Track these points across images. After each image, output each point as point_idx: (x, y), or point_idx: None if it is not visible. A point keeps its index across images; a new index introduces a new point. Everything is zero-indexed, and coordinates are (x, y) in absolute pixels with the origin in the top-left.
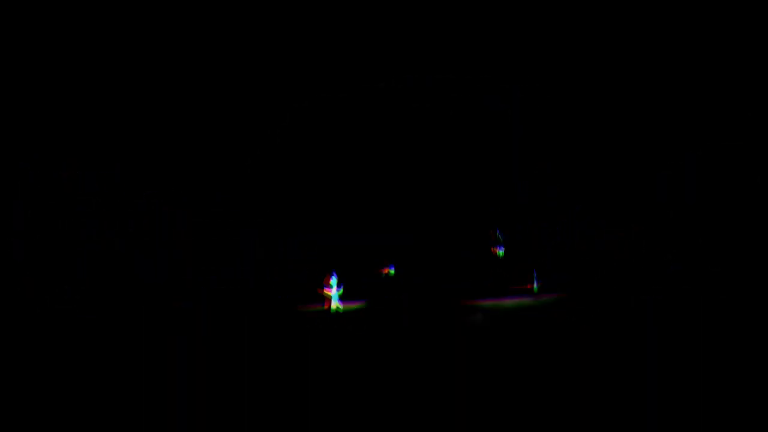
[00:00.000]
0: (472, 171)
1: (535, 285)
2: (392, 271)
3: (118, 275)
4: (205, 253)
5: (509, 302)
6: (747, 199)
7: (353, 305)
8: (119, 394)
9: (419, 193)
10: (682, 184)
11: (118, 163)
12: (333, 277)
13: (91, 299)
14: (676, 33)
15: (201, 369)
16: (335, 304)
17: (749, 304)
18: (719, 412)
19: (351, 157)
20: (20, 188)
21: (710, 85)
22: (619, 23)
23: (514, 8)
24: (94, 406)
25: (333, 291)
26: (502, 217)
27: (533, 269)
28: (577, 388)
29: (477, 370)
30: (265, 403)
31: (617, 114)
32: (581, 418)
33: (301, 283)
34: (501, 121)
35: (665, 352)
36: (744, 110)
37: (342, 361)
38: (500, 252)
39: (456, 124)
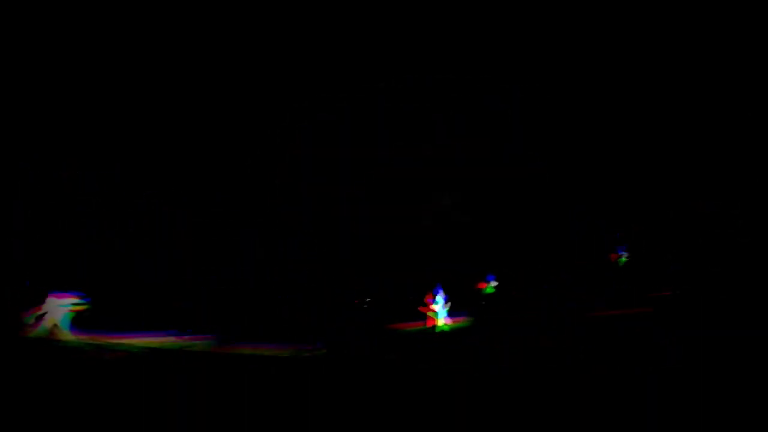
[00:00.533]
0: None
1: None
2: (492, 286)
3: (118, 275)
4: (205, 253)
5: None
6: (747, 198)
7: (457, 322)
8: (118, 398)
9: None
10: (682, 184)
11: (118, 163)
12: (438, 292)
13: (91, 299)
14: (675, 33)
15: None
16: (441, 321)
17: (749, 304)
18: (719, 412)
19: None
20: (20, 188)
21: (711, 84)
22: (618, 23)
23: (513, 8)
24: (93, 407)
25: (438, 308)
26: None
27: (668, 272)
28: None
29: None
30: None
31: (617, 114)
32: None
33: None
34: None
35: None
36: (744, 110)
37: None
38: (623, 257)
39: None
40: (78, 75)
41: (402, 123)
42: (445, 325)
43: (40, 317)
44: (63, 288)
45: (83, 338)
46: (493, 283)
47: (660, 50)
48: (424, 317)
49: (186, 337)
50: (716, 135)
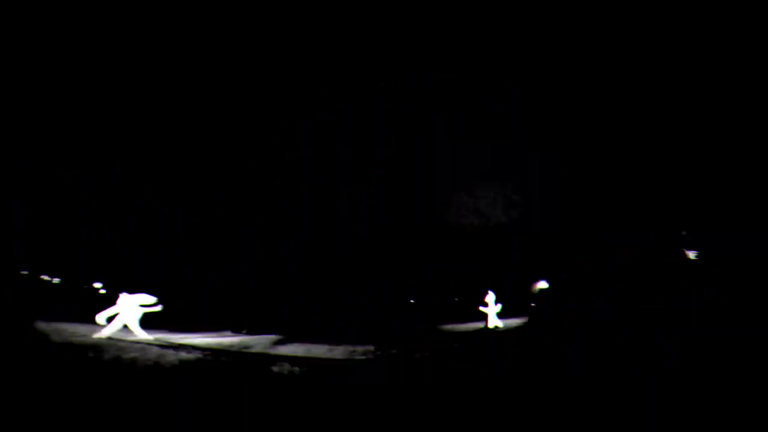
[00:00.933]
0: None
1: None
2: (546, 286)
3: (118, 275)
4: (205, 253)
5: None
6: (747, 198)
7: (513, 322)
8: (118, 400)
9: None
10: (681, 185)
11: (118, 163)
12: (490, 294)
13: (92, 299)
14: (674, 33)
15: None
16: (494, 321)
17: (749, 303)
18: (720, 411)
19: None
20: (20, 188)
21: (710, 84)
22: (618, 23)
23: (513, 8)
24: (93, 407)
25: (491, 309)
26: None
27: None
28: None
29: None
30: None
31: (617, 114)
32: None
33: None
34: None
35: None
36: (743, 110)
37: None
38: (691, 255)
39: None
40: (78, 75)
41: (402, 123)
42: (498, 325)
43: (113, 317)
44: (133, 288)
45: (152, 337)
46: (545, 284)
47: (661, 49)
48: (481, 317)
49: (242, 336)
50: (715, 135)
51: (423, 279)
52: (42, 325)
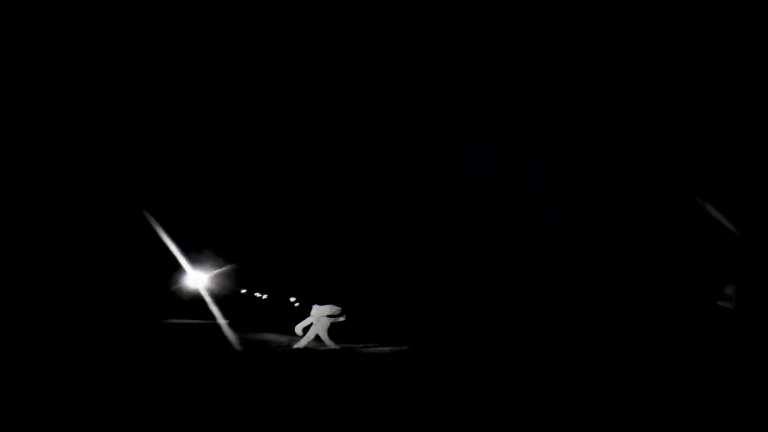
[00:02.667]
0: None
1: None
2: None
3: (117, 275)
4: (205, 253)
5: None
6: (748, 199)
7: None
8: (120, 399)
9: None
10: (681, 185)
11: (118, 163)
12: None
13: (91, 299)
14: (676, 32)
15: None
16: None
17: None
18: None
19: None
20: (20, 188)
21: (711, 84)
22: (617, 24)
23: (513, 8)
24: (94, 408)
25: None
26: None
27: None
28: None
29: None
30: None
31: (617, 114)
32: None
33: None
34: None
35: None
36: (744, 111)
37: None
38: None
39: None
40: (78, 75)
41: (402, 123)
42: None
43: (308, 327)
44: (322, 299)
45: (338, 347)
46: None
47: (660, 50)
48: None
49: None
50: (715, 136)
51: (423, 279)
52: (249, 336)
